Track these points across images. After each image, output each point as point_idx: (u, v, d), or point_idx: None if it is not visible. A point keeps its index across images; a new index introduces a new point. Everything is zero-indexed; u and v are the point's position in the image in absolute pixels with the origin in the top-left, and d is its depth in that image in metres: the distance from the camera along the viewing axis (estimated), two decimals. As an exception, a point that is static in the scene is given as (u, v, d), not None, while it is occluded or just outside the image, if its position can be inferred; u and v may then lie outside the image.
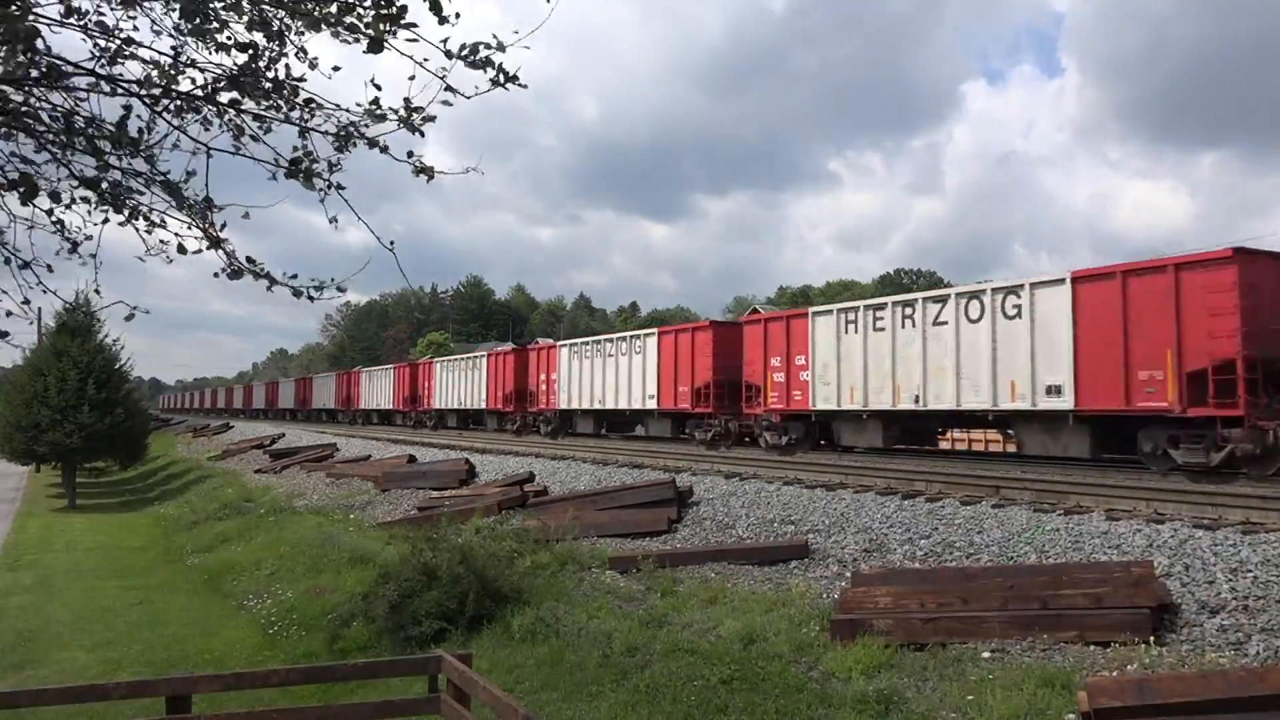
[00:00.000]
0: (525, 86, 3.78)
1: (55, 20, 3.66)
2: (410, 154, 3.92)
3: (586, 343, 28.72)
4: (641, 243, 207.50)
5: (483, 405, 34.92)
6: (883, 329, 17.98)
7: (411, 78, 3.65)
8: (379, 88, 3.81)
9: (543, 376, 30.43)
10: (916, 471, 15.01)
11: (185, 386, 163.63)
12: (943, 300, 16.97)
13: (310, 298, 3.98)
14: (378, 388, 47.31)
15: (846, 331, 18.70)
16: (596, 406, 27.56)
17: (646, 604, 10.66)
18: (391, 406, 45.05)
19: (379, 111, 3.82)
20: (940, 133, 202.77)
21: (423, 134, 3.87)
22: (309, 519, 20.13)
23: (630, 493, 15.57)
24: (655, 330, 26.01)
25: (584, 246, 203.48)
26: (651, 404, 24.85)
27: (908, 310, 17.54)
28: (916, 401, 17.16)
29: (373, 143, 3.89)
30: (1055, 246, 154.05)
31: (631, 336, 26.72)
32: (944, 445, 21.85)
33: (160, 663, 11.08)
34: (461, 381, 37.15)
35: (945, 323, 16.71)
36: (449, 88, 3.67)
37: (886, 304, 18.21)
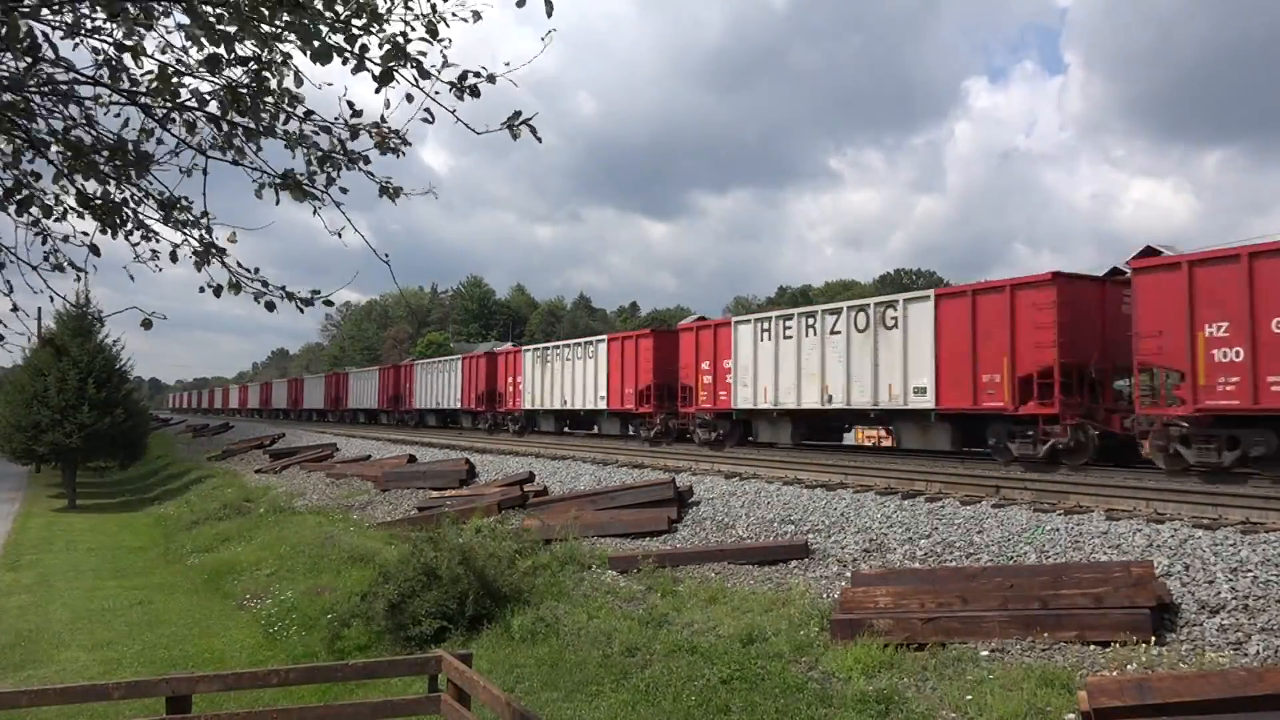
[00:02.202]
0: (540, 140, 3.77)
1: (58, 26, 3.65)
2: (373, 174, 3.90)
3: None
4: (641, 242, 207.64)
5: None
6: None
7: (392, 102, 3.64)
8: (350, 103, 3.79)
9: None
10: (916, 471, 15.01)
11: (185, 386, 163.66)
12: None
13: (300, 308, 3.95)
14: (560, 378, 29.48)
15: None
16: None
17: (646, 604, 10.66)
18: (605, 406, 27.24)
19: (359, 130, 3.80)
20: (942, 130, 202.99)
21: (401, 154, 3.85)
22: (309, 519, 20.14)
23: (630, 493, 15.57)
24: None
25: (584, 246, 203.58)
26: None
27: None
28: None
29: (352, 161, 3.87)
30: (1058, 245, 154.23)
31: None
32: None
33: (160, 663, 11.08)
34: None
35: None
36: (458, 118, 3.65)
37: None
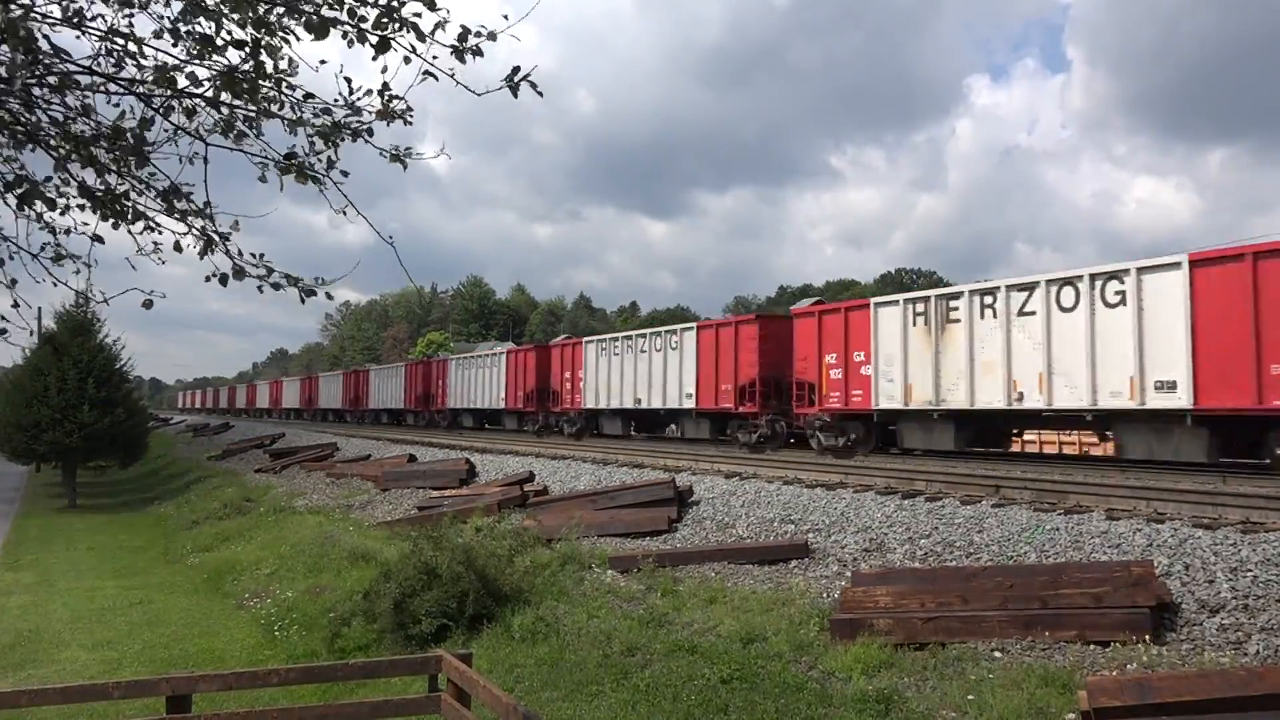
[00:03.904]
0: (541, 94, 3.76)
1: (57, 19, 3.65)
2: (385, 145, 3.88)
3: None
4: (641, 241, 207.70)
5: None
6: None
7: (387, 69, 3.61)
8: (348, 79, 3.78)
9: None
10: (916, 471, 15.02)
11: (186, 385, 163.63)
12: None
13: (302, 298, 3.95)
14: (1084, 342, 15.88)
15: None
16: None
17: (646, 603, 10.66)
18: (1138, 405, 14.63)
19: (359, 104, 3.79)
20: (943, 127, 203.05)
21: (407, 122, 3.83)
22: (309, 518, 20.14)
23: (630, 492, 15.56)
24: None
25: (584, 245, 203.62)
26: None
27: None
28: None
29: (356, 134, 3.86)
30: (1059, 244, 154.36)
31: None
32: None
33: (160, 662, 11.09)
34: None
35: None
36: (458, 83, 3.65)
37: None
